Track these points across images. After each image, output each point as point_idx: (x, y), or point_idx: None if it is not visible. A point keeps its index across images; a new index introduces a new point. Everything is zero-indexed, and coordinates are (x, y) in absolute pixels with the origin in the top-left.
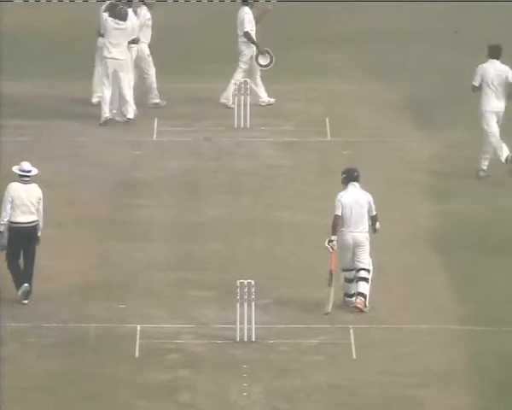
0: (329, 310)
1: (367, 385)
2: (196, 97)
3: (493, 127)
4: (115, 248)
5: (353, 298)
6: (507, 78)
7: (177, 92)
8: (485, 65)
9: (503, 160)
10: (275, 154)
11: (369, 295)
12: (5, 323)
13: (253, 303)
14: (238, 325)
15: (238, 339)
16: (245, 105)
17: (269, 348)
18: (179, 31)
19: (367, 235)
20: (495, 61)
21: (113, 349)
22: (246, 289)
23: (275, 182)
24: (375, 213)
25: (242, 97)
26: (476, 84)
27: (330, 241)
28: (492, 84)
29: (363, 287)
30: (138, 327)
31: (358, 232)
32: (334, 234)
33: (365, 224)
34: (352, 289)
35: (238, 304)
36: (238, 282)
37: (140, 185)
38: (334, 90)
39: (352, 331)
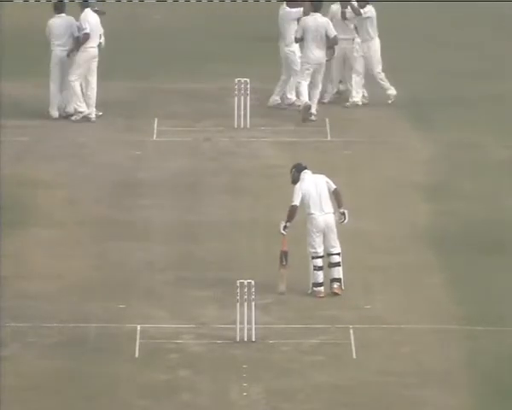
0: (284, 290)
1: (367, 385)
2: (196, 97)
3: (305, 77)
4: (115, 248)
5: (322, 288)
6: (326, 31)
7: (177, 92)
8: (307, 18)
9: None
10: (275, 154)
11: (369, 294)
12: (5, 323)
13: (253, 303)
14: (238, 325)
15: (238, 339)
16: (245, 105)
17: (269, 348)
18: (179, 31)
19: (334, 216)
20: (316, 14)
21: (113, 349)
22: (246, 289)
23: (275, 182)
24: (334, 186)
25: (242, 97)
26: (298, 36)
27: (286, 227)
28: (313, 36)
29: (338, 272)
30: (138, 327)
31: (328, 214)
32: (289, 221)
33: (330, 204)
34: (321, 278)
35: (238, 304)
36: (238, 282)
37: (140, 185)
38: None
39: (351, 331)
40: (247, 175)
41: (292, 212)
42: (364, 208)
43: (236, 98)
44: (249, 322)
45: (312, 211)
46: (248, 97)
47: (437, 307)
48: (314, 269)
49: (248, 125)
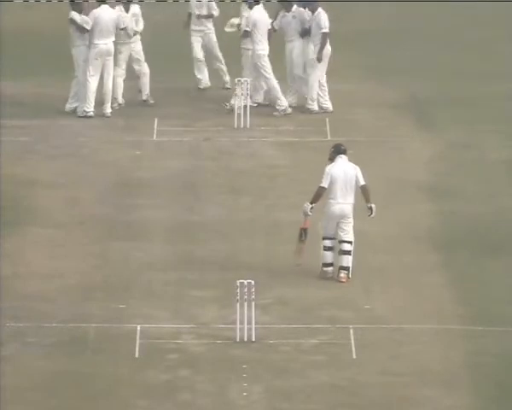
0: (300, 262)
1: (367, 385)
2: (196, 97)
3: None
4: (115, 248)
5: (330, 268)
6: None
7: (177, 92)
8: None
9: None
10: (275, 154)
11: (369, 294)
12: (5, 323)
13: (253, 303)
14: (238, 325)
15: (238, 339)
16: (245, 105)
17: (269, 348)
18: (179, 31)
19: (352, 207)
20: (260, 6)
21: (113, 349)
22: (246, 289)
23: (275, 182)
24: (363, 182)
25: (242, 97)
26: (248, 29)
27: (312, 208)
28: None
29: (347, 260)
30: (138, 327)
31: (346, 204)
32: (314, 203)
33: (352, 196)
34: (330, 258)
35: (238, 304)
36: (238, 282)
37: (140, 185)
38: (334, 90)
39: (352, 331)
40: (247, 175)
41: (318, 193)
42: (365, 208)
43: (236, 98)
44: (249, 322)
45: (332, 197)
46: (248, 97)
47: (437, 307)
48: (323, 249)
49: (248, 125)
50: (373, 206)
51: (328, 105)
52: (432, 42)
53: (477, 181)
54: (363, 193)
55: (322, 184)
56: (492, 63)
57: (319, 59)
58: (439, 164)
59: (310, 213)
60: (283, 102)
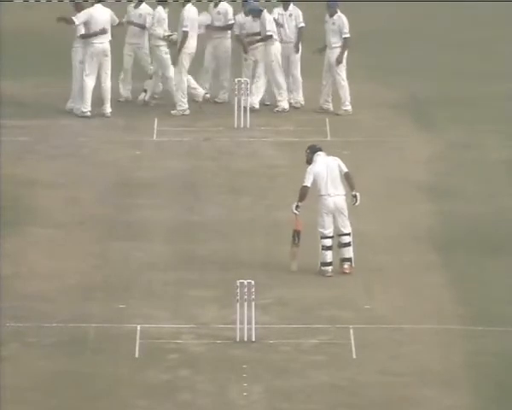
0: (296, 268)
1: (367, 385)
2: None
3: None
4: (115, 248)
5: (329, 267)
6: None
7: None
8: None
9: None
10: (275, 154)
11: (369, 294)
12: (5, 323)
13: (253, 303)
14: (238, 325)
15: (238, 339)
16: (245, 105)
17: (269, 348)
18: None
19: (345, 198)
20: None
21: (113, 349)
22: (246, 289)
23: (275, 182)
24: (346, 170)
25: (242, 97)
26: (187, 29)
27: (297, 207)
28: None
29: (348, 252)
30: (138, 327)
31: (338, 196)
32: (300, 202)
33: (341, 186)
34: (329, 257)
35: (238, 304)
36: (238, 282)
37: (140, 185)
38: (333, 90)
39: (352, 331)
40: (247, 175)
41: (303, 192)
42: (364, 208)
43: (236, 98)
44: (249, 322)
45: (322, 192)
46: (248, 97)
47: (437, 307)
48: (322, 249)
49: (248, 125)
50: (357, 194)
51: (330, 106)
52: (432, 42)
53: (477, 181)
54: (347, 180)
55: (304, 184)
56: (492, 63)
57: (339, 61)
58: (439, 164)
59: (295, 212)
60: (184, 106)
